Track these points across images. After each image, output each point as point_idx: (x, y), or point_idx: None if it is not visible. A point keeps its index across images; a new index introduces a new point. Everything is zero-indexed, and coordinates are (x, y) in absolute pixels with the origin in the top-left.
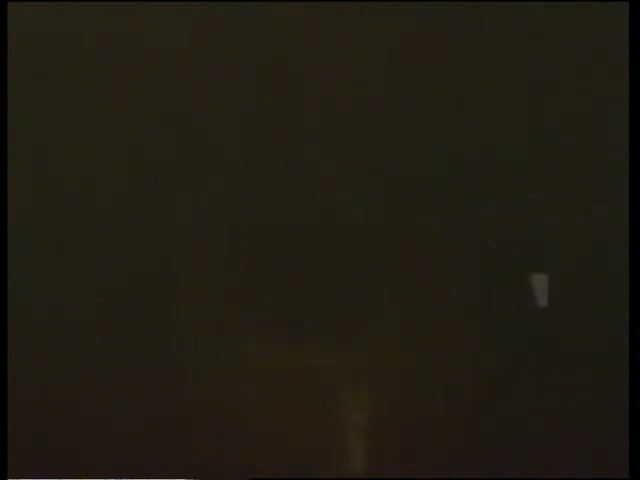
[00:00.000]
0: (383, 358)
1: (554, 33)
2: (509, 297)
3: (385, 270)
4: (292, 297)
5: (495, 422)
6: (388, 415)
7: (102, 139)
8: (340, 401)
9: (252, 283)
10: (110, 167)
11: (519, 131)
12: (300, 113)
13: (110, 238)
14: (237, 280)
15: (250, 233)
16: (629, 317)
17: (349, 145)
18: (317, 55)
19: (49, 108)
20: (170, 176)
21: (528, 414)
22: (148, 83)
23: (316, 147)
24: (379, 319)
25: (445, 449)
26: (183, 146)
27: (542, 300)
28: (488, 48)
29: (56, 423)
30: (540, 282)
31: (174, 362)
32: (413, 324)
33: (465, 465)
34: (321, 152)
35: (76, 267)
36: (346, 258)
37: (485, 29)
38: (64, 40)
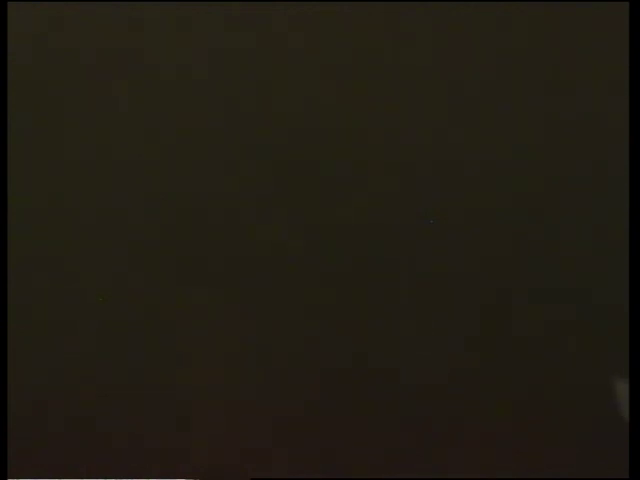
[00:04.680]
0: None
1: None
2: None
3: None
4: None
5: (495, 423)
6: None
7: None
8: None
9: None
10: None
11: (515, 128)
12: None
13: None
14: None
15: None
16: (629, 317)
17: None
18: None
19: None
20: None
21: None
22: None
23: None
24: None
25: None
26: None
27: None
28: (481, 47)
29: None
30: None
31: None
32: None
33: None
34: None
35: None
36: None
37: (478, 28)
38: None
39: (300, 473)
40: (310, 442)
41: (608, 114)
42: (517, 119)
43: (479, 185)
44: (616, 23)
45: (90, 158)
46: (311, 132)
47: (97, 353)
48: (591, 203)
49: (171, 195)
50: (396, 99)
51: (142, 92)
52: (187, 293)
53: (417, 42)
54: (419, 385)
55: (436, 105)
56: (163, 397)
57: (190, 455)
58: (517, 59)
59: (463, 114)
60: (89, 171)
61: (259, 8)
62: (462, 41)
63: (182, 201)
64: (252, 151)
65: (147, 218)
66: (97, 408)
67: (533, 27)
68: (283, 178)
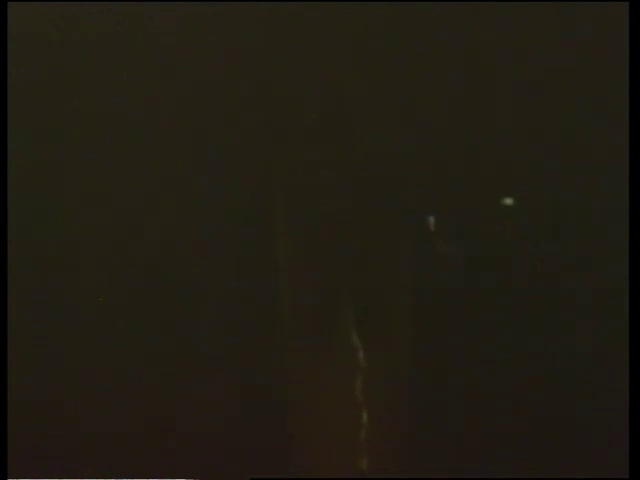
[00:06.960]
0: None
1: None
2: None
3: None
4: None
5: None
6: None
7: None
8: None
9: None
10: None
11: (513, 129)
12: None
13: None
14: None
15: None
16: (629, 317)
17: None
18: None
19: None
20: None
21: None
22: None
23: None
24: None
25: None
26: None
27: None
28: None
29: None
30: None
31: None
32: None
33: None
34: None
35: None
36: None
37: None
38: None
39: None
40: None
41: (608, 113)
42: (516, 119)
43: (478, 184)
44: (616, 23)
45: (90, 157)
46: (311, 131)
47: (97, 353)
48: (591, 203)
49: (171, 194)
50: (395, 98)
51: (142, 92)
52: (187, 292)
53: (417, 42)
54: None
55: (435, 106)
56: (163, 397)
57: (190, 455)
58: (517, 59)
59: (462, 114)
60: (89, 169)
61: (259, 8)
62: (462, 41)
63: (182, 200)
64: (251, 150)
65: (146, 218)
66: (97, 408)
67: (533, 27)
68: (281, 176)
